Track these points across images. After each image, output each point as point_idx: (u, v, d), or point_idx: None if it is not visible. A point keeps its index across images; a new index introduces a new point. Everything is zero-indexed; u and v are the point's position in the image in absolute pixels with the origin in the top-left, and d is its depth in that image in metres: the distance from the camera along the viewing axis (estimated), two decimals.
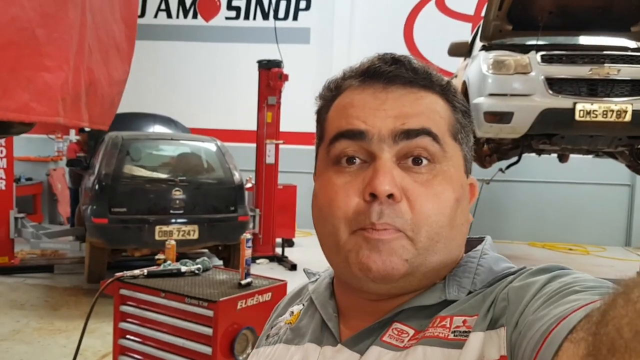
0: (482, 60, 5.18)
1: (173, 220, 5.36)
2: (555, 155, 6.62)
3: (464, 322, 0.62)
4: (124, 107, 5.83)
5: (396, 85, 0.68)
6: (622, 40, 5.68)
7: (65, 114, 2.42)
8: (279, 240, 7.60)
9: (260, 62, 7.31)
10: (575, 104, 4.76)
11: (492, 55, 5.15)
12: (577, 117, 4.75)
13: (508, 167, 6.17)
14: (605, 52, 5.08)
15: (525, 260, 7.75)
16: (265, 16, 10.43)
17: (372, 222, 0.63)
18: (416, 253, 0.64)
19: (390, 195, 0.63)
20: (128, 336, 2.90)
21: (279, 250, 7.47)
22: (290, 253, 7.46)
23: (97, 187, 5.27)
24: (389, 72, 0.68)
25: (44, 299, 5.34)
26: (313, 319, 0.75)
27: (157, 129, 7.79)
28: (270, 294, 2.82)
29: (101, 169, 5.35)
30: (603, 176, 9.23)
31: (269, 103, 7.22)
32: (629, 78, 4.81)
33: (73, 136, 9.02)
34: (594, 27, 5.64)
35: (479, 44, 5.67)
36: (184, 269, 3.00)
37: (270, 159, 7.35)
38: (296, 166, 9.54)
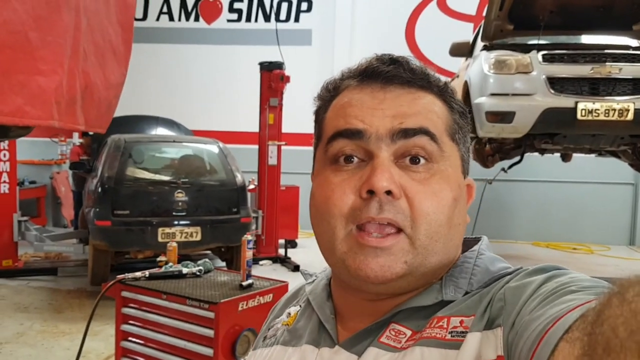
0: (483, 60, 5.18)
1: (176, 222, 5.37)
2: (558, 154, 6.60)
3: (461, 322, 0.62)
4: (126, 110, 5.87)
5: (394, 85, 0.68)
6: (623, 39, 5.66)
7: (60, 118, 2.42)
8: (281, 241, 7.60)
9: (261, 64, 7.32)
10: (577, 103, 4.75)
11: (494, 55, 5.14)
12: (579, 117, 4.73)
13: (510, 166, 6.16)
14: (606, 51, 5.07)
15: (529, 260, 7.74)
16: (267, 18, 10.44)
17: (370, 216, 0.63)
18: (415, 253, 0.64)
19: (389, 193, 0.63)
20: (130, 338, 2.90)
21: (282, 252, 7.47)
22: (293, 254, 7.46)
23: (100, 189, 5.28)
24: (386, 72, 0.68)
25: (48, 302, 5.35)
26: (310, 320, 0.75)
27: (160, 131, 7.81)
28: (271, 295, 2.83)
29: (104, 171, 5.36)
30: (606, 175, 9.20)
31: (271, 105, 7.23)
32: (630, 77, 4.79)
33: (76, 139, 9.05)
34: (596, 26, 5.63)
35: (480, 43, 5.66)
36: (185, 270, 3.01)
37: (272, 160, 7.35)
38: (298, 167, 9.50)
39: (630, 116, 4.65)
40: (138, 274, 2.89)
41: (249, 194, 6.23)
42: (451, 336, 0.61)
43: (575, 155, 6.63)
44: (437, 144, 0.67)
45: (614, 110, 4.67)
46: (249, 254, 2.87)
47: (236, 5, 10.58)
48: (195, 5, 10.66)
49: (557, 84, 4.88)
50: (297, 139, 9.19)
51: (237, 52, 10.32)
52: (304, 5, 10.44)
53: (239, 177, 5.88)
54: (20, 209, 6.48)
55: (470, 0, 9.88)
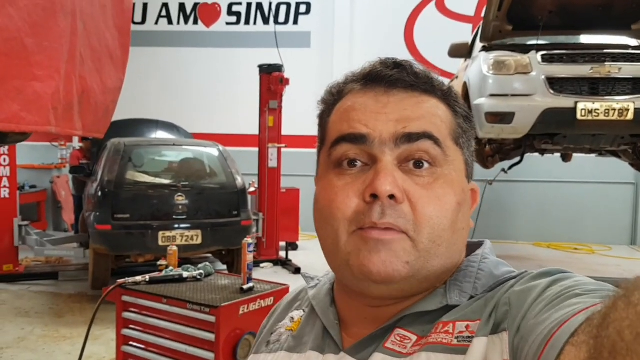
0: (482, 61, 5.17)
1: (176, 226, 5.36)
2: (558, 154, 6.59)
3: (467, 327, 0.61)
4: (126, 114, 5.87)
5: (398, 89, 0.68)
6: (622, 38, 5.66)
7: (57, 123, 2.42)
8: (282, 243, 7.59)
9: (261, 67, 7.32)
10: (576, 103, 4.74)
11: (493, 55, 5.13)
12: (578, 117, 4.73)
13: (511, 167, 6.15)
14: (606, 51, 5.06)
15: (530, 261, 7.73)
16: (266, 21, 10.45)
17: (373, 221, 0.63)
18: (418, 255, 0.64)
19: (392, 197, 0.63)
20: (131, 343, 2.90)
21: (282, 254, 7.47)
22: (295, 256, 7.45)
23: (100, 193, 5.28)
24: (390, 76, 0.68)
25: (49, 306, 5.35)
26: (314, 326, 0.75)
27: (160, 134, 7.81)
28: (272, 298, 2.82)
29: (104, 175, 5.36)
30: (607, 175, 9.20)
31: (271, 107, 7.23)
32: (630, 76, 4.78)
33: (76, 143, 9.05)
34: (595, 26, 5.62)
35: (479, 44, 5.65)
36: (186, 274, 3.00)
37: (272, 163, 7.35)
38: (298, 169, 9.53)
39: (630, 116, 4.64)
40: (138, 278, 2.88)
41: (249, 197, 6.22)
42: (457, 341, 0.60)
43: (575, 155, 6.62)
44: (440, 148, 0.67)
45: (614, 110, 4.66)
46: (249, 257, 2.86)
47: (235, 8, 10.59)
48: (194, 8, 10.67)
49: (556, 84, 4.87)
50: (297, 141, 9.22)
51: (236, 55, 10.32)
52: (303, 8, 10.45)
53: (239, 180, 5.88)
54: (21, 213, 6.48)
55: (469, 1, 9.89)
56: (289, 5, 10.44)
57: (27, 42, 2.16)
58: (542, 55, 5.02)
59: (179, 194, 5.45)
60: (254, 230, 6.71)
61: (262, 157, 7.40)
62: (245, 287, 2.83)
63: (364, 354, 0.66)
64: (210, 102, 10.36)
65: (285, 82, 7.17)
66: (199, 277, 3.03)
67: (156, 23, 10.71)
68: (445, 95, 0.71)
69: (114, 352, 3.12)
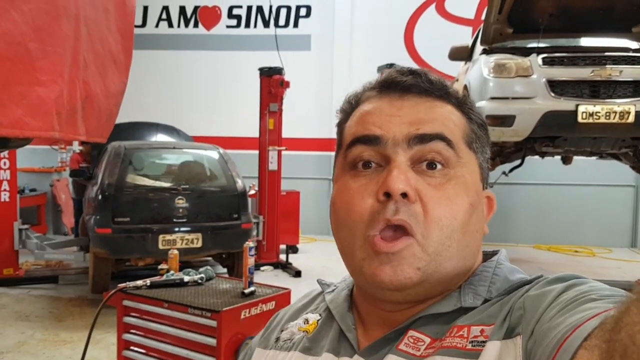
0: (483, 64, 5.17)
1: (176, 229, 5.35)
2: (558, 157, 6.59)
3: (482, 331, 0.62)
4: (126, 117, 5.86)
5: (412, 94, 0.70)
6: (623, 41, 5.66)
7: (60, 128, 2.41)
8: (283, 246, 7.58)
9: (261, 70, 7.32)
10: (577, 106, 4.74)
11: (493, 58, 5.14)
12: (579, 119, 4.73)
13: (511, 170, 6.15)
14: (606, 54, 5.06)
15: (531, 264, 7.72)
16: (266, 24, 10.46)
17: (387, 217, 0.64)
18: (428, 259, 0.64)
19: (404, 195, 0.64)
20: (132, 347, 2.89)
21: (283, 257, 7.45)
22: (295, 259, 7.44)
23: (100, 197, 5.27)
24: (405, 82, 0.70)
25: (49, 310, 5.33)
26: (331, 330, 0.75)
27: (160, 137, 7.81)
28: (274, 302, 2.81)
29: (104, 179, 5.35)
30: (607, 177, 9.19)
31: (271, 110, 7.23)
32: (631, 79, 4.79)
33: (76, 147, 9.04)
34: (595, 29, 5.62)
35: (479, 47, 5.66)
36: (186, 278, 2.99)
37: (272, 166, 7.35)
38: (299, 172, 9.54)
39: (631, 118, 4.64)
40: (139, 282, 2.88)
41: (249, 200, 6.21)
42: (472, 346, 0.61)
43: (575, 157, 6.62)
44: (453, 149, 0.68)
45: (615, 112, 4.66)
46: (250, 261, 2.85)
47: (235, 11, 10.60)
48: (194, 11, 10.68)
49: (557, 87, 4.87)
50: (297, 143, 9.22)
51: (236, 57, 10.33)
52: (303, 11, 10.46)
53: (239, 183, 5.87)
54: (21, 217, 6.47)
55: (469, 4, 9.90)
56: (289, 8, 10.45)
57: (30, 47, 2.15)
58: (543, 58, 5.02)
59: (179, 197, 5.44)
60: (254, 233, 6.71)
61: (263, 160, 7.40)
62: (246, 291, 2.82)
63: (378, 356, 0.66)
64: (211, 105, 10.37)
65: (285, 84, 7.17)
66: (200, 281, 3.02)
67: (157, 26, 10.71)
68: (459, 103, 0.73)
69: (114, 357, 3.11)
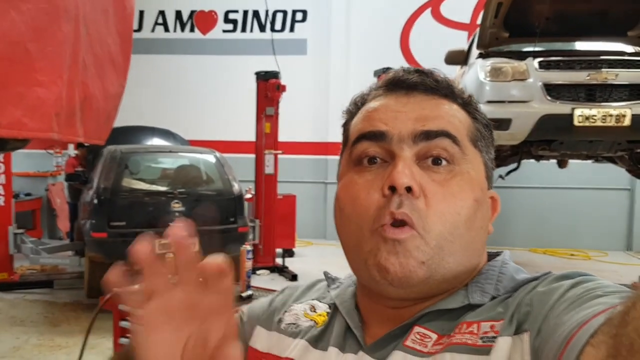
0: (479, 68, 5.19)
1: None
2: (554, 161, 6.62)
3: (492, 327, 0.61)
4: (122, 121, 5.84)
5: (418, 92, 0.71)
6: (619, 45, 5.69)
7: (59, 130, 2.40)
8: (279, 250, 7.57)
9: (257, 74, 7.32)
10: (573, 109, 4.76)
11: (490, 62, 5.15)
12: (575, 123, 4.74)
13: (507, 173, 6.16)
14: (602, 57, 5.08)
15: (526, 267, 7.58)
16: (262, 28, 10.47)
17: (391, 210, 0.64)
18: (432, 253, 0.64)
19: (409, 190, 0.64)
20: None
21: (279, 261, 7.43)
22: (291, 263, 7.42)
23: (95, 201, 5.25)
24: (411, 80, 0.71)
25: (44, 315, 5.30)
26: (336, 325, 0.75)
27: (156, 141, 7.78)
28: None
29: (100, 183, 5.33)
30: (603, 181, 9.22)
31: (267, 114, 7.23)
32: (627, 82, 4.81)
33: (72, 151, 9.01)
34: (591, 33, 5.65)
35: (475, 51, 5.67)
36: None
37: (269, 169, 7.34)
38: (295, 176, 9.54)
39: (627, 122, 4.66)
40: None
41: (246, 204, 6.20)
42: (482, 342, 0.60)
43: (571, 161, 6.65)
44: (458, 146, 0.68)
45: (611, 116, 4.68)
46: (247, 265, 2.85)
47: (231, 15, 10.61)
48: (190, 16, 10.68)
49: (553, 90, 4.89)
50: (293, 147, 9.22)
51: (232, 62, 10.33)
52: (299, 16, 10.48)
53: (235, 187, 5.87)
54: (16, 221, 6.43)
55: (465, 8, 9.94)
56: (285, 12, 10.47)
57: (30, 48, 2.14)
58: (539, 62, 5.04)
59: (176, 201, 5.42)
60: (251, 237, 6.69)
61: (259, 164, 7.39)
62: (244, 294, 2.81)
63: (383, 353, 0.66)
64: (207, 109, 10.36)
65: (282, 88, 7.17)
66: None
67: (152, 30, 10.71)
68: (465, 103, 0.73)
69: None
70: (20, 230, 6.38)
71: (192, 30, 10.68)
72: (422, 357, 0.62)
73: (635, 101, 4.75)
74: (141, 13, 10.56)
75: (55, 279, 6.48)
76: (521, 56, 5.22)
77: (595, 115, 4.71)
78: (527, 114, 4.89)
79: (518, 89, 4.98)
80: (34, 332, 4.78)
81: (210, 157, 6.15)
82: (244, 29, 10.59)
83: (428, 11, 10.15)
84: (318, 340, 0.74)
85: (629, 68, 4.91)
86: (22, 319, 5.16)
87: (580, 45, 5.85)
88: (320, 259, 7.59)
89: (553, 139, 5.12)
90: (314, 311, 0.79)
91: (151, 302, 0.48)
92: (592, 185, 9.37)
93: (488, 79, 5.07)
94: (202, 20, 10.65)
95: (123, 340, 2.87)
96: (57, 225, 9.33)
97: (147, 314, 0.48)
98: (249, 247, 2.84)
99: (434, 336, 0.64)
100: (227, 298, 0.49)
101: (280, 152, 7.45)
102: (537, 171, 8.50)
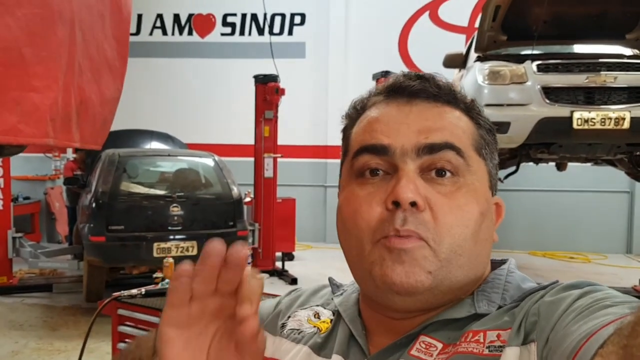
0: (477, 71, 5.19)
1: (171, 237, 5.32)
2: (553, 163, 6.61)
3: (499, 336, 0.61)
4: (120, 125, 5.84)
5: (420, 99, 0.69)
6: (617, 47, 5.69)
7: (55, 135, 2.39)
8: (279, 254, 7.56)
9: (256, 77, 7.33)
10: (572, 112, 4.76)
11: (488, 65, 5.15)
12: (574, 126, 4.74)
13: (506, 176, 6.15)
14: (601, 60, 5.09)
15: (526, 270, 7.70)
16: (261, 31, 10.48)
17: (395, 228, 0.63)
18: (439, 265, 0.63)
19: (413, 204, 0.63)
20: None
21: (279, 264, 7.43)
22: (291, 267, 7.42)
23: (94, 205, 5.24)
24: (412, 87, 0.69)
25: (43, 319, 5.29)
26: (340, 332, 0.74)
27: (154, 145, 7.77)
28: None
29: (98, 186, 5.32)
30: (602, 184, 9.22)
31: (266, 117, 7.23)
32: (625, 85, 4.81)
33: (70, 154, 9.00)
34: (589, 36, 5.65)
35: (473, 55, 5.67)
36: None
37: (268, 173, 7.34)
38: (294, 179, 9.53)
39: (626, 125, 4.66)
40: (134, 291, 2.85)
41: (245, 207, 6.19)
42: (489, 351, 0.60)
43: (570, 164, 6.65)
44: (463, 158, 0.67)
45: (610, 119, 4.68)
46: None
47: (229, 19, 10.62)
48: (188, 19, 10.69)
49: (552, 93, 4.89)
50: (292, 151, 9.22)
51: (231, 65, 10.34)
52: (298, 19, 10.49)
53: (235, 190, 5.86)
54: (15, 225, 6.43)
55: (463, 11, 9.95)
56: (283, 16, 10.48)
57: (25, 52, 2.13)
58: (538, 65, 5.04)
59: (174, 204, 5.42)
60: (250, 240, 6.68)
61: (258, 167, 7.39)
62: None
63: None
64: (206, 113, 10.35)
65: (280, 92, 7.18)
66: None
67: (150, 34, 10.72)
68: (468, 108, 0.72)
69: None
70: (19, 234, 6.36)
71: (190, 33, 10.69)
72: None
73: (634, 104, 4.75)
74: (139, 16, 10.57)
75: (54, 282, 6.48)
76: (519, 59, 5.23)
77: (594, 118, 4.71)
78: (526, 117, 4.89)
79: (516, 92, 4.98)
80: (32, 336, 4.77)
81: (209, 161, 6.14)
82: (242, 33, 10.59)
83: (426, 14, 10.16)
84: (321, 348, 0.73)
85: (627, 71, 4.91)
86: (21, 323, 5.14)
87: (579, 48, 5.85)
88: (320, 263, 7.58)
89: (552, 142, 5.12)
90: (318, 318, 0.78)
91: (192, 304, 0.52)
92: (591, 188, 9.37)
93: (486, 82, 5.07)
94: (200, 23, 10.66)
95: (122, 345, 2.86)
96: (56, 229, 9.31)
97: (186, 314, 0.52)
98: (248, 252, 2.83)
99: (440, 345, 0.63)
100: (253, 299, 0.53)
101: (279, 155, 7.45)
102: (536, 174, 8.50)
